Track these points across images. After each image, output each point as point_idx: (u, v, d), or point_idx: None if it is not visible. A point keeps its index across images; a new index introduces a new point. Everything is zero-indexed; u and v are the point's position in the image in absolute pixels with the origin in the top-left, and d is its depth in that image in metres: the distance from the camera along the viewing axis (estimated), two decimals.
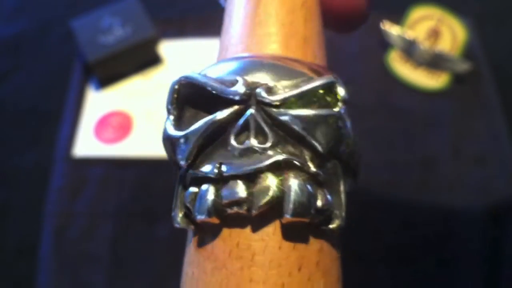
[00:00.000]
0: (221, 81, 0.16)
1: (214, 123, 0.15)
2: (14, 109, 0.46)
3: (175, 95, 0.16)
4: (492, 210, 0.39)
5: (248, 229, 0.15)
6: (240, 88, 0.15)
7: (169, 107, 0.16)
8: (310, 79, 0.16)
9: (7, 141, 0.45)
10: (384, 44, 0.46)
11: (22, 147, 0.44)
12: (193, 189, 0.15)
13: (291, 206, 0.14)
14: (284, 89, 0.15)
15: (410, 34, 0.46)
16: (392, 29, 0.46)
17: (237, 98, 0.15)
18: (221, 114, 0.15)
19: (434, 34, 0.46)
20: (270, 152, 0.15)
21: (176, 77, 0.16)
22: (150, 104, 0.45)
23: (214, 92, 0.16)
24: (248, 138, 0.15)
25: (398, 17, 0.47)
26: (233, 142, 0.15)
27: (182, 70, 0.18)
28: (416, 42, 0.46)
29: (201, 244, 0.15)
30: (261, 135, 0.15)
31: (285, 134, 0.15)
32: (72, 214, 0.40)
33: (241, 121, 0.15)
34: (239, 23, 0.18)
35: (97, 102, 0.45)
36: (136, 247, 0.39)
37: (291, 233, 0.15)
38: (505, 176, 0.40)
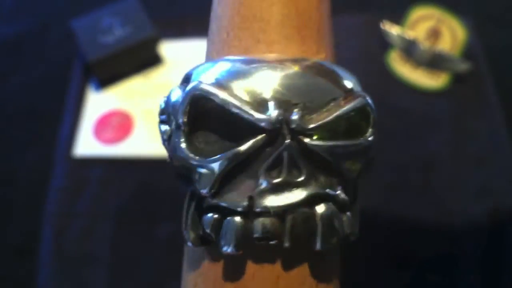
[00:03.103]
0: (242, 99, 0.14)
1: (238, 156, 0.14)
2: (14, 109, 0.46)
3: (189, 107, 0.14)
4: (492, 210, 0.39)
5: (273, 255, 0.14)
6: (273, 114, 0.13)
7: (180, 120, 0.14)
8: (338, 97, 0.15)
9: (7, 141, 0.45)
10: (384, 44, 0.46)
11: (22, 147, 0.44)
12: (213, 215, 0.14)
13: (321, 239, 0.14)
14: (317, 113, 0.14)
15: (410, 34, 0.46)
16: (392, 29, 0.46)
17: (267, 126, 0.13)
18: (247, 146, 0.14)
19: (434, 34, 0.46)
20: (304, 186, 0.14)
21: (192, 85, 0.14)
22: (150, 104, 0.45)
23: (239, 115, 0.14)
24: (280, 171, 0.14)
25: (398, 17, 0.47)
26: (264, 176, 0.14)
27: (182, 70, 0.17)
28: (416, 42, 0.46)
29: (218, 261, 0.15)
30: (294, 168, 0.14)
31: (316, 163, 0.14)
32: (72, 214, 0.40)
33: (274, 155, 0.14)
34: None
35: (97, 102, 0.45)
36: (136, 248, 0.39)
37: (316, 256, 0.15)
38: (505, 176, 0.40)
